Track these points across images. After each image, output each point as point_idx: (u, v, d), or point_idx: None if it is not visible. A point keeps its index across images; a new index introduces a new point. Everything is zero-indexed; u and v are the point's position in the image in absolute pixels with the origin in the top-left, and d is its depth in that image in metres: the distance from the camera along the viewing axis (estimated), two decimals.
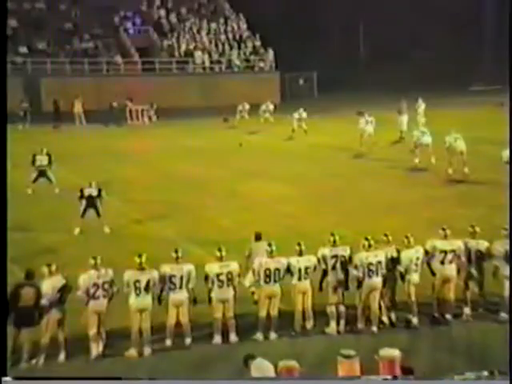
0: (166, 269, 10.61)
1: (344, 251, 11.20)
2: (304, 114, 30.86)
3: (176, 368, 10.00)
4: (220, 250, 10.87)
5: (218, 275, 10.69)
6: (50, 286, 10.27)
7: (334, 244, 11.22)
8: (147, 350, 10.41)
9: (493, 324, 11.16)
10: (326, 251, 11.17)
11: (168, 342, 10.59)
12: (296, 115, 30.92)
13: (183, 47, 45.31)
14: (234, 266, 10.85)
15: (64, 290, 10.33)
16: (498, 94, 42.14)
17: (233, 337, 10.79)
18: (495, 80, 48.32)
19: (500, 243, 11.41)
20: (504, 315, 11.23)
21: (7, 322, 8.77)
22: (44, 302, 10.20)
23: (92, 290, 10.37)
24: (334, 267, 11.13)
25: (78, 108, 36.15)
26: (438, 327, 11.13)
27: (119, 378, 8.37)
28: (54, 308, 10.28)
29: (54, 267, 10.46)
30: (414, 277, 11.25)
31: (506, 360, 9.64)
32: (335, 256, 11.13)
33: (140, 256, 10.52)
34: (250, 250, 12.00)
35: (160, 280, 10.54)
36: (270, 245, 11.23)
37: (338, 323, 11.06)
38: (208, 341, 10.72)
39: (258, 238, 12.33)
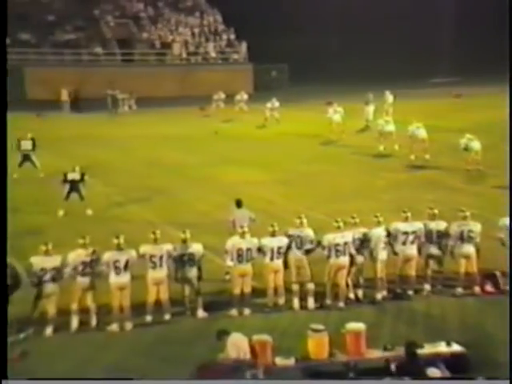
0: (147, 249, 10.61)
1: (308, 233, 11.25)
2: (276, 104, 30.91)
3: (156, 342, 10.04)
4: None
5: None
6: (48, 263, 10.27)
7: (301, 225, 11.28)
8: (128, 325, 10.42)
9: (450, 299, 11.34)
10: (294, 232, 11.24)
11: (148, 318, 10.60)
12: (269, 105, 30.97)
13: (161, 39, 44.94)
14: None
15: (60, 267, 10.37)
16: (456, 86, 42.68)
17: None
18: (454, 72, 48.80)
19: (457, 224, 11.58)
20: (460, 290, 11.44)
21: (7, 322, 8.61)
22: (47, 277, 10.23)
23: (80, 268, 10.36)
24: (299, 247, 11.20)
25: (64, 96, 35.80)
26: (400, 302, 11.28)
27: (120, 379, 8.32)
28: (50, 284, 10.29)
29: (50, 246, 10.43)
30: (382, 254, 11.38)
31: (461, 331, 9.86)
32: (299, 236, 11.20)
33: (118, 237, 10.51)
34: (234, 216, 12.26)
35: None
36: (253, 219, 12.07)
37: (305, 299, 11.14)
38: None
39: (239, 204, 12.58)
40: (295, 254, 11.20)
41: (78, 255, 10.44)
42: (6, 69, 9.20)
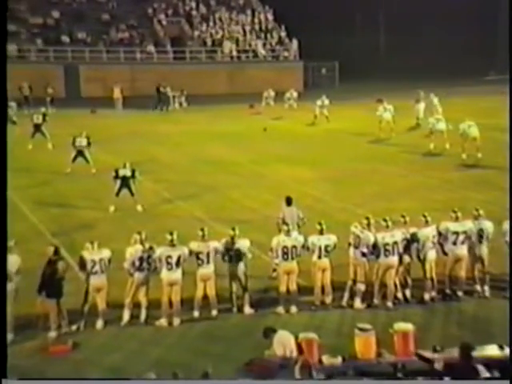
0: (193, 246, 10.64)
1: (367, 236, 11.03)
2: (326, 102, 30.60)
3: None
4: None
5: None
6: (97, 255, 10.36)
7: (367, 227, 11.04)
8: (176, 321, 10.47)
9: (501, 301, 11.02)
10: (355, 230, 11.08)
11: (196, 313, 10.64)
12: (319, 102, 30.67)
13: (212, 37, 45.17)
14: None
15: (109, 258, 10.44)
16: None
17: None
18: (508, 69, 47.57)
19: (508, 223, 11.27)
20: None
21: (7, 322, 8.66)
22: (96, 268, 10.32)
23: (137, 263, 10.46)
24: (356, 247, 11.04)
25: (117, 94, 36.23)
26: (449, 303, 11.03)
27: (120, 379, 8.35)
28: (100, 275, 10.37)
29: (96, 244, 10.51)
30: (431, 254, 11.15)
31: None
32: (358, 237, 10.98)
33: (171, 233, 10.55)
34: (284, 213, 12.18)
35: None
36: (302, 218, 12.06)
37: (352, 298, 11.01)
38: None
39: (288, 202, 12.49)
40: (352, 253, 11.07)
41: (135, 250, 10.53)
42: (5, 68, 9.32)
